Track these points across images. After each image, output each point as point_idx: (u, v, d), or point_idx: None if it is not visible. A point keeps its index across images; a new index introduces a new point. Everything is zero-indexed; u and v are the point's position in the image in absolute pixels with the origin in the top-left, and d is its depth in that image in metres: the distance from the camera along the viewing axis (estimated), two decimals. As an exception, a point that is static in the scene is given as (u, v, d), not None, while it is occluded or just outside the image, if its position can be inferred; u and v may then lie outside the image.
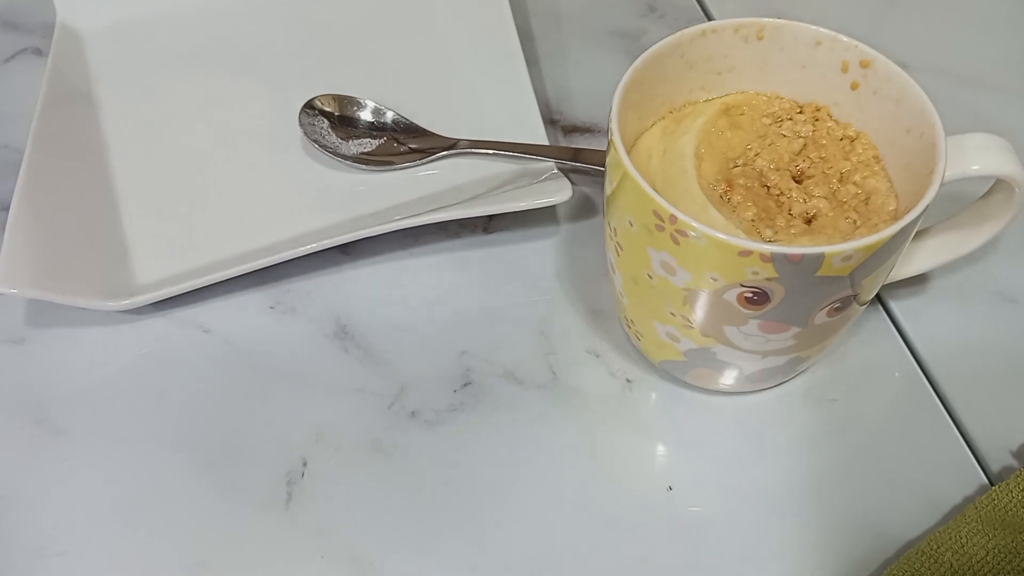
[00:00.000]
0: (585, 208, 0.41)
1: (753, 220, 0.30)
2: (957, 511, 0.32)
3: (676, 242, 0.27)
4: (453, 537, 0.32)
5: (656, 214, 0.27)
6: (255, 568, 0.31)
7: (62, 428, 0.34)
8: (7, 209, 0.37)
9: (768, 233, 0.30)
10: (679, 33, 0.32)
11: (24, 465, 0.33)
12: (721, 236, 0.26)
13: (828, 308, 0.29)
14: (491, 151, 0.40)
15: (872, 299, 0.37)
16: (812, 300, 0.28)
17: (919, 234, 0.34)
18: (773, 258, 0.26)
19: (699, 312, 0.30)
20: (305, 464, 0.33)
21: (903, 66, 0.31)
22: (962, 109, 0.44)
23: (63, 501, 0.32)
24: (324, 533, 0.32)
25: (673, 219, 0.27)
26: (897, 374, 0.36)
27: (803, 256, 0.26)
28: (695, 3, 0.50)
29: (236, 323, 0.37)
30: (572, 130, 0.44)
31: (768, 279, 0.27)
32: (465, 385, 0.35)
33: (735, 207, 0.30)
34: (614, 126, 0.29)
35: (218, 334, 0.37)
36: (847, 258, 0.26)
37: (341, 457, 0.33)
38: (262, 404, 0.35)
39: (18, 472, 0.33)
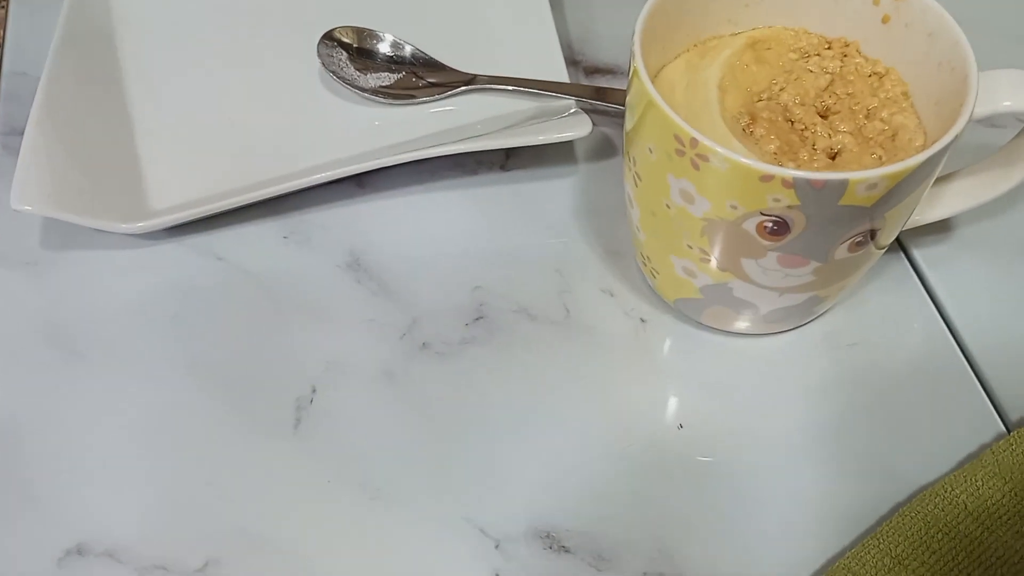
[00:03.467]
0: (604, 148, 0.40)
1: (775, 153, 0.29)
2: (974, 458, 0.31)
3: (696, 167, 0.27)
4: (460, 468, 0.32)
5: (677, 138, 0.27)
6: (262, 489, 0.31)
7: (76, 350, 0.34)
8: (23, 134, 0.36)
9: (791, 166, 0.29)
10: (706, -40, 0.31)
11: (38, 387, 0.33)
12: (743, 160, 0.26)
13: (849, 242, 0.28)
14: (510, 87, 0.39)
15: (895, 246, 0.37)
16: (833, 232, 0.27)
17: (944, 178, 0.34)
18: (795, 183, 0.25)
19: (717, 244, 0.29)
20: (314, 391, 0.33)
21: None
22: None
23: (76, 422, 0.33)
24: (331, 458, 0.32)
25: (694, 143, 0.26)
26: (917, 323, 0.35)
27: (826, 182, 0.25)
28: (724, -52, 0.49)
29: (250, 252, 0.37)
30: (594, 71, 0.43)
31: (789, 207, 0.26)
32: (477, 319, 0.35)
33: (758, 140, 0.30)
34: (637, 50, 0.28)
35: (232, 261, 0.37)
36: (872, 186, 0.26)
37: (351, 385, 0.33)
38: (274, 332, 0.35)
39: (33, 394, 0.33)
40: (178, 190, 0.38)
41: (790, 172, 0.25)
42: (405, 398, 0.33)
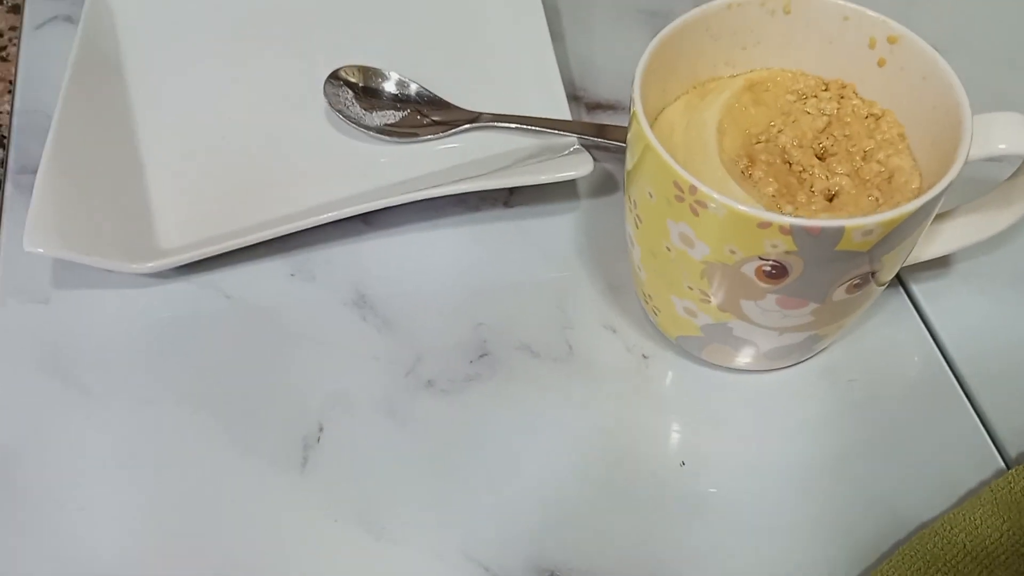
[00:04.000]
0: (606, 185, 0.41)
1: (774, 195, 0.30)
2: (973, 495, 0.31)
3: (695, 213, 0.27)
4: (464, 505, 0.32)
5: (676, 184, 0.27)
6: (268, 528, 0.31)
7: (85, 386, 0.35)
8: (36, 172, 0.37)
9: (789, 209, 0.29)
10: (704, 6, 0.32)
11: (47, 422, 0.34)
12: (740, 207, 0.26)
13: (847, 284, 0.28)
14: (514, 125, 0.40)
15: (893, 281, 0.37)
16: (831, 275, 0.28)
17: (942, 215, 0.34)
18: (793, 230, 0.26)
19: (716, 286, 0.29)
20: (321, 429, 0.34)
21: (934, 46, 0.31)
22: (994, 92, 0.43)
23: (84, 458, 0.33)
24: (337, 497, 0.32)
25: (693, 190, 0.27)
26: (917, 357, 0.35)
27: (823, 229, 0.26)
28: (723, -18, 0.49)
29: (257, 289, 0.37)
30: (595, 107, 0.44)
31: (787, 252, 0.27)
32: (481, 356, 0.36)
33: (756, 183, 0.30)
34: (636, 96, 0.29)
35: (239, 299, 0.37)
36: (867, 232, 0.26)
37: (357, 423, 0.34)
38: (280, 369, 0.35)
39: (41, 429, 0.34)
40: (187, 227, 0.38)
41: (787, 219, 0.26)
42: (409, 435, 0.34)
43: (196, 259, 0.36)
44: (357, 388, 0.35)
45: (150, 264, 0.36)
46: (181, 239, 0.38)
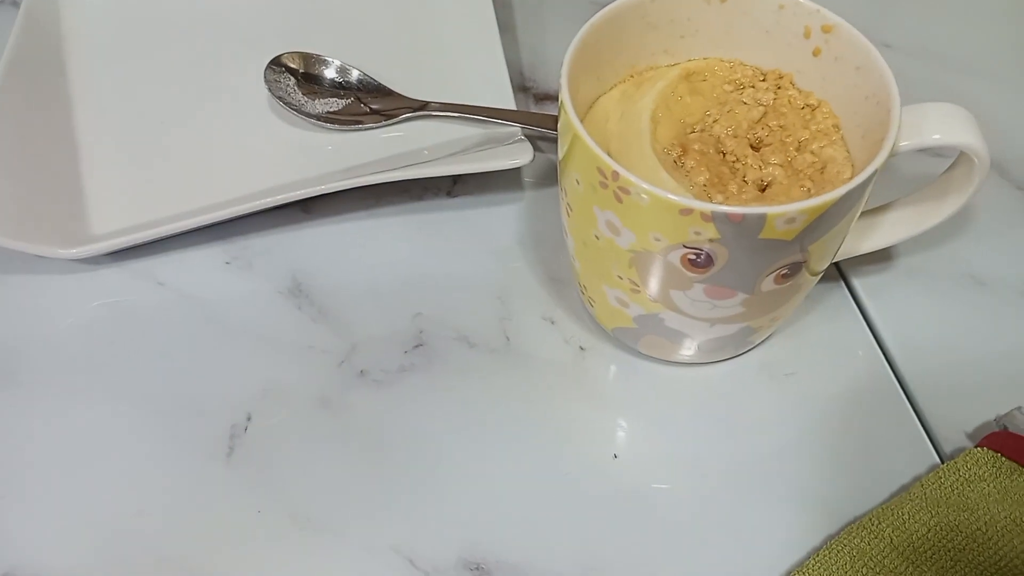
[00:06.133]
0: (551, 176, 0.40)
1: (705, 185, 0.29)
2: (907, 488, 0.31)
3: (619, 200, 0.27)
4: (394, 497, 0.31)
5: (600, 171, 0.27)
6: (192, 519, 0.31)
7: (11, 374, 0.34)
8: (-34, 155, 0.36)
9: (719, 198, 0.29)
10: (639, -8, 0.31)
11: (-30, 410, 0.33)
12: (662, 193, 0.26)
13: (775, 274, 0.28)
14: (457, 114, 0.39)
15: (835, 275, 0.37)
16: (757, 264, 0.27)
17: (881, 208, 0.34)
18: (714, 217, 0.26)
19: (645, 275, 0.29)
20: (249, 419, 0.33)
21: (886, 47, 0.30)
22: (944, 90, 0.43)
23: (5, 448, 0.32)
24: (263, 488, 0.32)
25: (615, 175, 0.26)
26: (858, 352, 0.35)
27: (744, 216, 0.25)
28: (679, -24, 0.49)
29: (191, 277, 0.37)
30: (544, 98, 0.43)
31: (710, 240, 0.26)
32: (417, 347, 0.35)
33: (688, 172, 0.30)
34: (564, 83, 0.29)
35: (172, 287, 0.37)
36: (790, 220, 0.26)
37: (286, 413, 0.33)
38: (212, 358, 0.35)
39: (-36, 416, 0.33)
40: (122, 213, 0.38)
41: (708, 206, 0.25)
42: (341, 426, 0.33)
43: (128, 245, 0.36)
44: (289, 378, 0.34)
45: (78, 249, 0.35)
46: (115, 225, 0.37)
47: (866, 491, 0.31)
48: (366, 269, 0.37)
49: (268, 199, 0.36)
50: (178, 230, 0.36)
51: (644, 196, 0.26)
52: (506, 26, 0.45)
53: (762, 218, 0.25)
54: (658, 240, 0.27)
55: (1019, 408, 0.32)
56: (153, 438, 0.33)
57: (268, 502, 0.31)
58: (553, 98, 0.43)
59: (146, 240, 0.36)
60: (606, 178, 0.27)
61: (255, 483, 0.32)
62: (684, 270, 0.28)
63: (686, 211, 0.26)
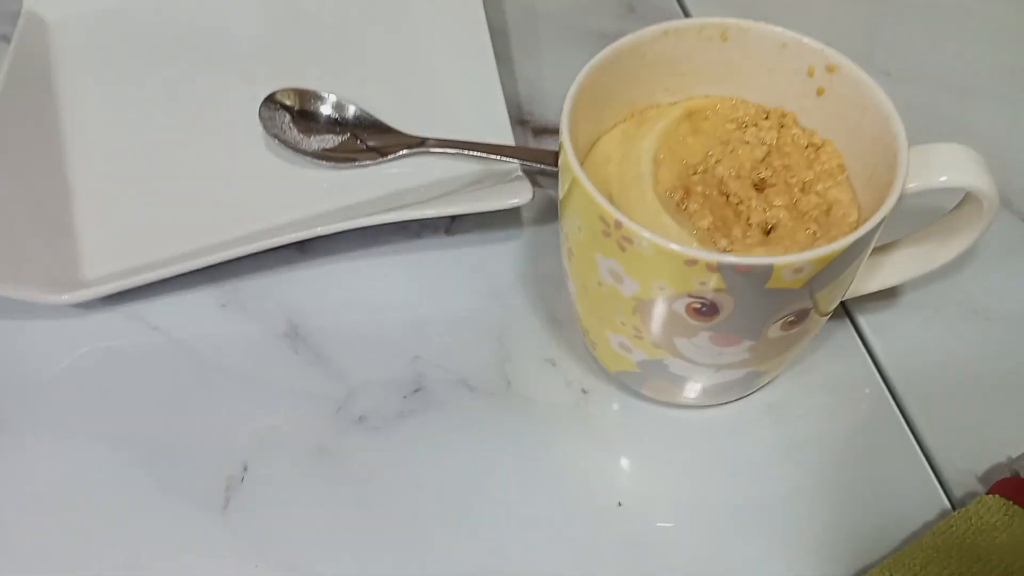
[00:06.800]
0: (551, 212, 0.40)
1: (709, 229, 0.29)
2: (917, 536, 0.30)
3: (623, 249, 0.26)
4: (396, 548, 0.31)
5: (602, 219, 0.26)
6: (185, 574, 0.30)
7: (3, 421, 0.33)
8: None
9: (723, 243, 0.28)
10: (639, 32, 0.31)
11: (-41, 460, 0.32)
12: (666, 244, 0.25)
13: (781, 321, 0.28)
14: (454, 150, 0.39)
15: (840, 313, 0.36)
16: (763, 313, 0.27)
17: (887, 247, 0.33)
18: (720, 268, 0.25)
19: (648, 322, 0.28)
20: (246, 468, 0.32)
21: (886, 75, 0.30)
22: (946, 118, 0.43)
23: (-2, 496, 0.32)
24: (260, 540, 0.31)
25: (619, 225, 0.26)
26: (865, 391, 0.35)
27: (751, 267, 0.25)
28: (676, 5, 0.49)
29: (185, 321, 0.36)
30: (543, 131, 0.43)
31: (716, 290, 0.26)
32: (416, 391, 0.34)
33: (691, 215, 0.29)
34: (565, 126, 0.28)
35: (166, 332, 0.36)
36: (798, 270, 0.25)
37: (283, 462, 0.33)
38: (206, 405, 0.34)
39: (-47, 467, 0.32)
40: (114, 256, 0.37)
41: (715, 256, 0.25)
42: (339, 475, 0.32)
43: (121, 289, 0.35)
44: (285, 425, 0.33)
45: (69, 295, 0.34)
46: (107, 268, 0.36)
47: (874, 536, 0.31)
48: (363, 310, 0.37)
49: (263, 242, 0.35)
50: (171, 274, 0.35)
51: (648, 246, 0.25)
52: (503, 58, 0.45)
53: (769, 268, 0.25)
54: (662, 289, 0.27)
55: (1031, 451, 0.31)
56: (146, 488, 0.32)
57: (265, 555, 0.30)
58: (552, 131, 0.43)
59: (139, 284, 0.35)
60: (609, 227, 0.26)
61: (251, 536, 0.31)
62: (689, 319, 0.27)
63: (691, 261, 0.25)
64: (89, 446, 0.33)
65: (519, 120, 0.43)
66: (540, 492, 0.32)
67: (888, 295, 0.37)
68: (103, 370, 0.35)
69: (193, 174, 0.40)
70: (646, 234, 0.25)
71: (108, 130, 0.41)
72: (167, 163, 0.40)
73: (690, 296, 0.26)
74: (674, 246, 0.25)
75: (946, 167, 0.28)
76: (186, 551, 0.31)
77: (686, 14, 0.48)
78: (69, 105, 0.42)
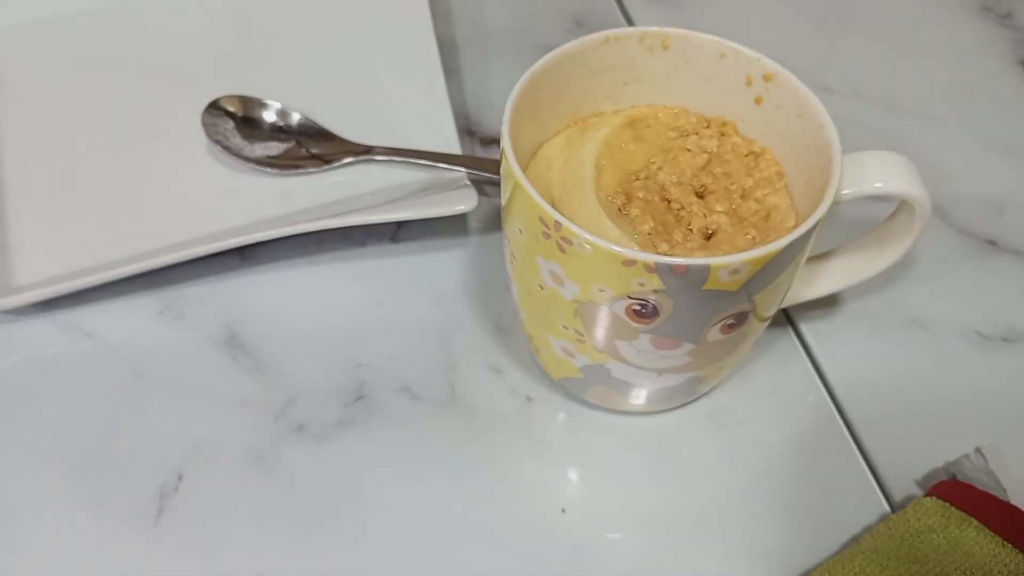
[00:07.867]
0: (497, 220, 0.40)
1: (650, 234, 0.29)
2: (856, 540, 0.31)
3: (562, 250, 0.26)
4: (335, 559, 0.30)
5: (542, 220, 0.26)
6: (115, 588, 0.29)
7: (-77, 434, 0.32)
8: None
9: (664, 247, 0.29)
10: (581, 39, 0.31)
11: None
12: (604, 244, 0.25)
13: (721, 324, 0.28)
14: (401, 159, 0.39)
15: (782, 321, 0.37)
16: (702, 315, 0.27)
17: (825, 255, 0.34)
18: (658, 268, 0.25)
19: (590, 325, 0.28)
20: (180, 478, 0.31)
21: (827, 91, 0.30)
22: (883, 132, 0.44)
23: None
24: (194, 552, 0.30)
25: (558, 226, 0.26)
26: (807, 398, 0.35)
27: (688, 267, 0.25)
28: (623, 21, 0.49)
29: (121, 328, 0.35)
30: (490, 141, 0.43)
31: (655, 291, 0.26)
32: (358, 399, 0.34)
33: (632, 220, 0.29)
34: (505, 130, 0.28)
35: (101, 339, 0.35)
36: (734, 271, 0.25)
37: (219, 472, 0.32)
38: (141, 414, 0.33)
39: None
40: (49, 262, 0.36)
41: (652, 257, 0.25)
42: (277, 485, 0.32)
43: (54, 295, 0.34)
44: (222, 434, 0.33)
45: (1, 301, 0.33)
46: (41, 274, 0.35)
47: (816, 541, 0.31)
48: (305, 318, 0.36)
49: (203, 247, 0.35)
50: (106, 279, 0.34)
51: (587, 247, 0.25)
52: (452, 70, 0.45)
53: (706, 269, 0.25)
54: (602, 291, 0.27)
55: (967, 456, 0.31)
56: (76, 500, 0.31)
57: (199, 568, 0.30)
58: (499, 142, 0.43)
59: (73, 290, 0.34)
60: (548, 228, 0.26)
61: (185, 548, 0.30)
62: (629, 321, 0.27)
63: (630, 262, 0.25)
64: (17, 456, 0.32)
65: (467, 130, 0.43)
66: (484, 501, 0.32)
67: (830, 304, 0.37)
68: (34, 378, 0.34)
69: (134, 180, 0.39)
70: (584, 235, 0.25)
71: (46, 135, 0.40)
72: (107, 168, 0.39)
73: (630, 298, 0.26)
74: (612, 246, 0.25)
75: (880, 174, 0.29)
76: (117, 564, 0.30)
77: (634, 30, 0.49)
78: (5, 110, 0.41)
